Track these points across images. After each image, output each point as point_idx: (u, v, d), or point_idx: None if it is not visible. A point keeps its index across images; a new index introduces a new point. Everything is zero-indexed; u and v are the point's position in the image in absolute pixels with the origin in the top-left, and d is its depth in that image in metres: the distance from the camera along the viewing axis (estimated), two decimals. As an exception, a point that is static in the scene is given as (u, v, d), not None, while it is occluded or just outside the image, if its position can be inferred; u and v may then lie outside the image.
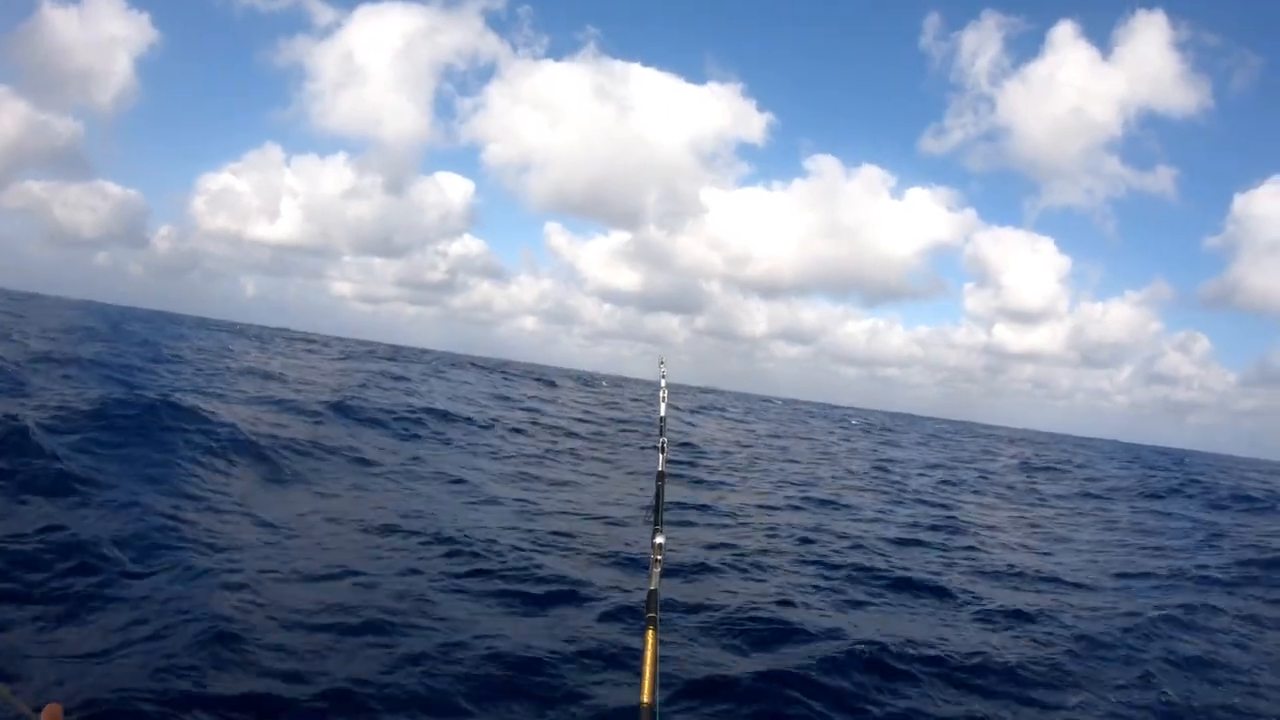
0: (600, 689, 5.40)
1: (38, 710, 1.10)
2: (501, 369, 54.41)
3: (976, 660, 6.91)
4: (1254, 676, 7.27)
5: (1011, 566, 10.97)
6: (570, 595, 7.35)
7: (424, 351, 78.94)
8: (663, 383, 3.94)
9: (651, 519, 3.04)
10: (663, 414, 3.88)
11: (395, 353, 56.86)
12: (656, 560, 2.71)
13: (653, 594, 2.50)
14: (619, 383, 70.84)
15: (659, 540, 2.80)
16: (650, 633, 2.22)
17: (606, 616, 6.82)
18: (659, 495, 3.16)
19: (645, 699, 1.97)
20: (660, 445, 3.49)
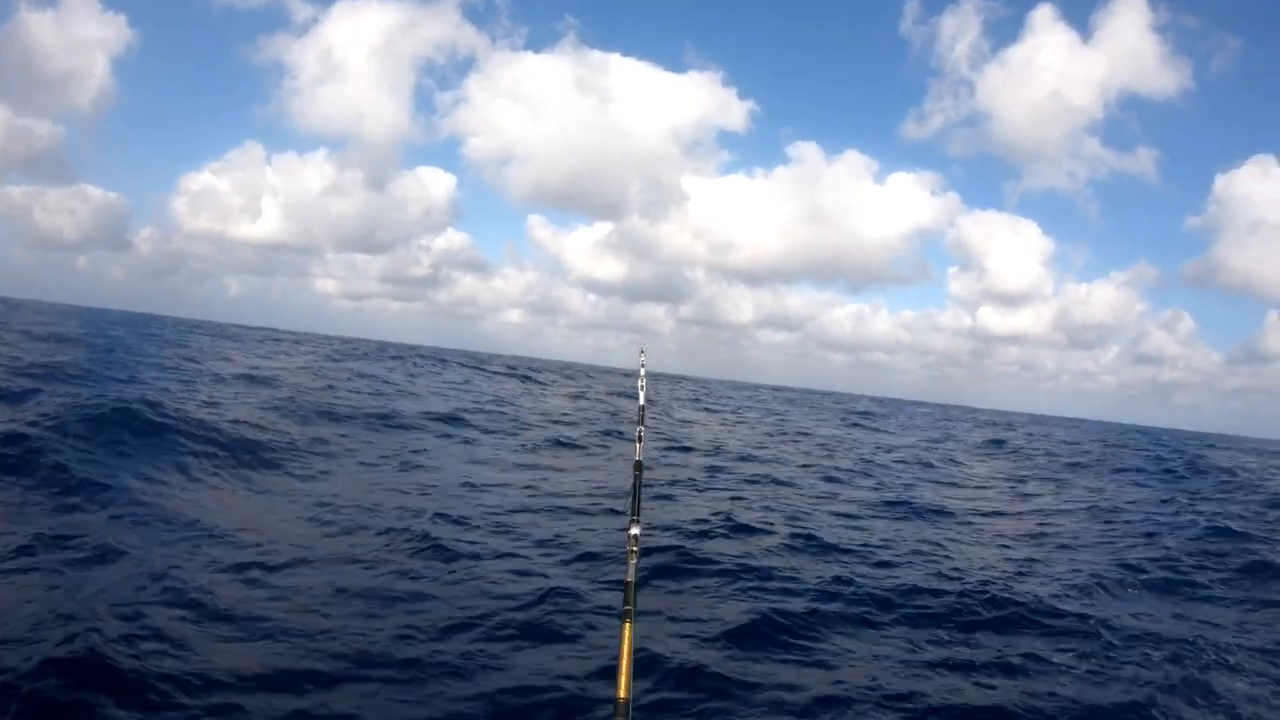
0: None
1: None
2: (480, 364, 54.25)
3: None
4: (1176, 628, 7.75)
5: (960, 532, 11.42)
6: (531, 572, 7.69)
7: (413, 347, 78.60)
8: (642, 372, 4.02)
9: (628, 510, 2.94)
10: (642, 404, 3.96)
11: (380, 349, 56.63)
12: (632, 551, 2.62)
13: (629, 586, 2.44)
14: (602, 373, 70.82)
15: (634, 531, 2.72)
16: (627, 625, 2.21)
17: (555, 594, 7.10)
18: (636, 486, 3.18)
19: (621, 694, 1.99)
20: (638, 435, 3.57)
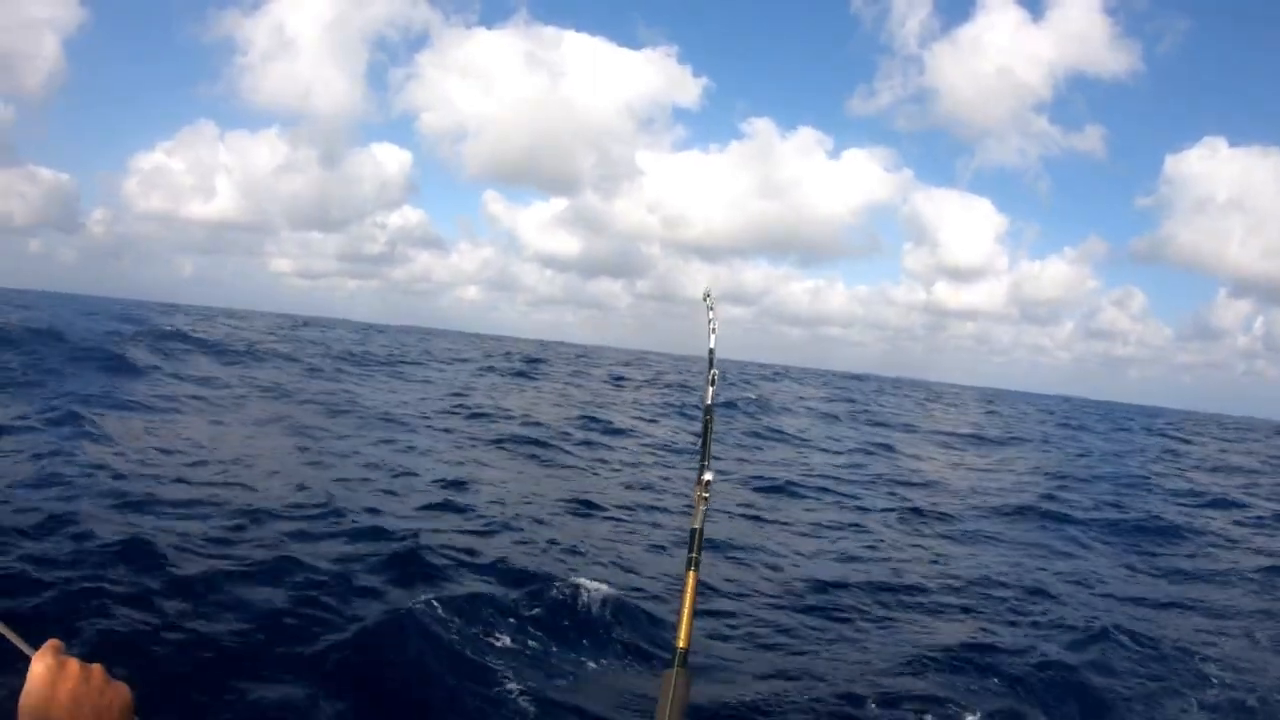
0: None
1: (36, 647, 1.08)
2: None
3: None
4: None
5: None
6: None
7: (368, 325, 78.55)
8: (710, 314, 3.84)
9: (698, 456, 2.88)
10: (711, 347, 3.76)
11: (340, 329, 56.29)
12: (703, 498, 2.56)
13: (696, 533, 2.32)
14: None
15: (706, 477, 2.65)
16: (691, 574, 2.11)
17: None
18: (706, 430, 3.01)
19: (681, 643, 1.89)
20: (710, 378, 3.37)
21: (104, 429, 11.47)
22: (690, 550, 2.36)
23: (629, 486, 12.55)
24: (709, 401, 3.58)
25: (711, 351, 4.13)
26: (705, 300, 4.60)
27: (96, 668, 1.09)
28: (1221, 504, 16.08)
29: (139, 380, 17.31)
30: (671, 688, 1.83)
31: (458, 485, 10.80)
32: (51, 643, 1.08)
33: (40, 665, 1.05)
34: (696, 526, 2.53)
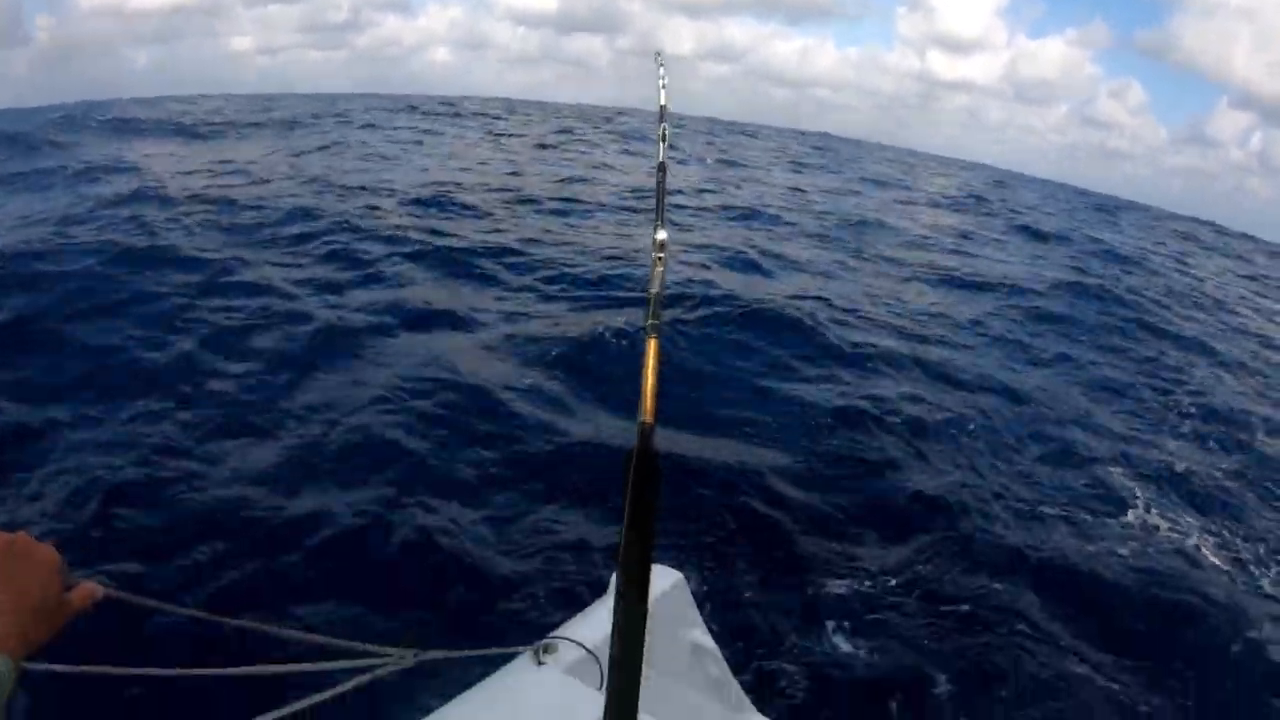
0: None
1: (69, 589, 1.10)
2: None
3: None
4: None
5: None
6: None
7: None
8: (661, 72, 3.68)
9: (654, 215, 2.81)
10: (663, 102, 3.62)
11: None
12: (659, 259, 2.48)
13: (654, 297, 2.28)
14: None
15: (661, 236, 2.56)
16: (652, 341, 2.06)
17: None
18: (660, 187, 2.93)
19: (647, 418, 1.89)
20: (661, 133, 3.26)
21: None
22: (648, 316, 2.29)
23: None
24: (661, 158, 3.47)
25: (663, 108, 3.96)
26: (656, 59, 4.38)
27: (20, 535, 1.11)
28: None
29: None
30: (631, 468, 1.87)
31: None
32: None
33: None
34: (654, 290, 2.43)
